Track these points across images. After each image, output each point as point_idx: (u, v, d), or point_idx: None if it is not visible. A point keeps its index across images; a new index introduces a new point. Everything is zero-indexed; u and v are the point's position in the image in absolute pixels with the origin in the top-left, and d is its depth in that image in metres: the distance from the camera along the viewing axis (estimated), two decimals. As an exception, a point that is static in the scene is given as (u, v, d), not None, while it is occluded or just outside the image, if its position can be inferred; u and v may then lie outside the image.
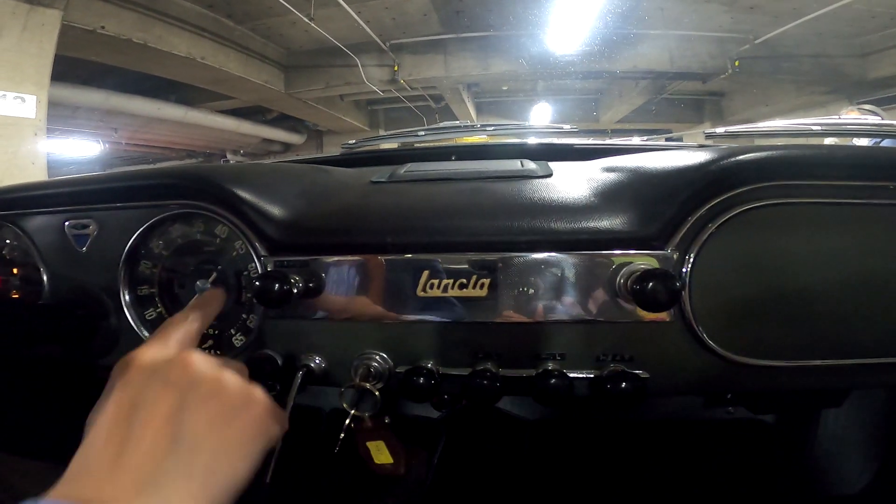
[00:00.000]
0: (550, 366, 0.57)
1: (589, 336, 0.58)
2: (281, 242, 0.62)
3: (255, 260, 0.63)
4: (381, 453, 0.70)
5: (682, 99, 9.48)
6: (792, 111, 8.73)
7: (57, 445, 0.81)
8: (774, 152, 0.58)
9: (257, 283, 0.56)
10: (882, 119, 3.09)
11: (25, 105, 3.61)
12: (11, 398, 0.89)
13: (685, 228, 0.56)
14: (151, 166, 0.77)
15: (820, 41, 6.20)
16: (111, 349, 0.71)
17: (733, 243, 0.57)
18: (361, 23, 5.62)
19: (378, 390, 0.58)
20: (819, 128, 1.18)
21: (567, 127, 1.36)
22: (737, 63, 6.53)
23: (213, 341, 0.67)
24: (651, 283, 0.50)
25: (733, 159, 0.57)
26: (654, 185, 0.60)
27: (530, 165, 0.78)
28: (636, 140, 1.31)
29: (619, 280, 0.54)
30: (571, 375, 0.57)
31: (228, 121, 8.27)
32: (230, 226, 0.65)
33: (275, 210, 0.63)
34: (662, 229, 0.56)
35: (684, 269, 0.56)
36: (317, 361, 0.62)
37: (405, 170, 0.79)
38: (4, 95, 3.49)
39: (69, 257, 0.73)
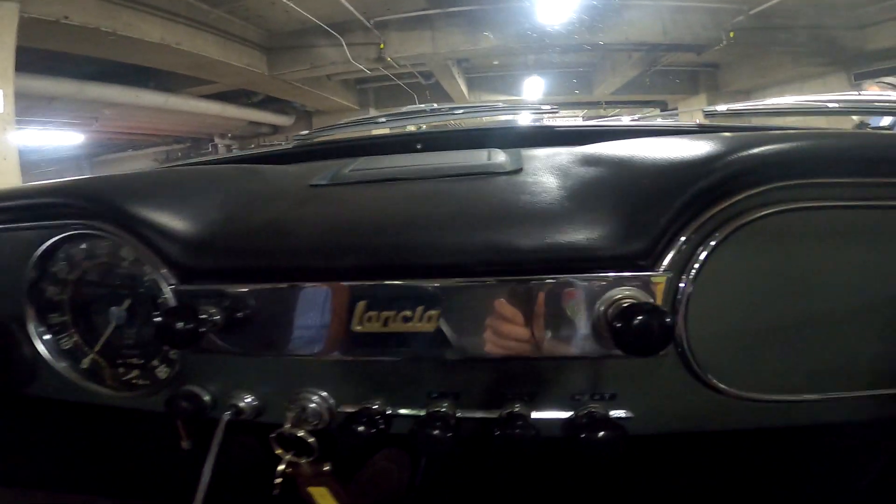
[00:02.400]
0: (517, 407, 0.49)
1: (562, 373, 0.49)
2: (192, 268, 0.53)
3: (165, 289, 0.54)
4: (324, 499, 0.64)
5: (676, 71, 9.28)
6: (788, 82, 8.55)
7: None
8: (797, 144, 0.46)
9: (158, 319, 0.47)
10: None
11: None
12: None
13: (680, 244, 0.46)
14: (44, 182, 0.68)
15: (816, 12, 6.02)
16: (32, 379, 0.64)
17: (740, 259, 0.46)
18: (344, 0, 5.45)
19: (316, 435, 0.53)
20: (835, 105, 1.00)
21: (547, 106, 1.21)
22: (732, 34, 6.36)
23: (140, 371, 0.60)
24: (636, 322, 0.40)
25: (745, 154, 0.45)
26: (643, 186, 0.48)
27: (498, 158, 0.66)
28: (626, 120, 1.13)
29: (599, 308, 0.45)
30: (539, 417, 0.49)
31: (212, 105, 8.11)
32: (133, 250, 0.56)
33: (182, 230, 0.54)
34: (652, 245, 0.45)
35: (679, 295, 0.45)
36: (247, 400, 0.55)
37: (352, 168, 0.68)
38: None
39: None
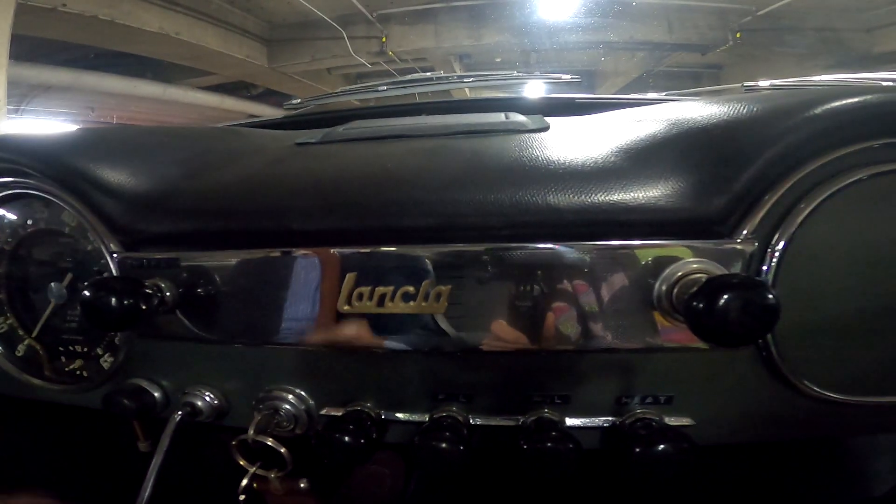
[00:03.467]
0: (546, 412, 0.40)
1: (606, 370, 0.40)
2: (140, 232, 0.43)
3: (107, 258, 0.44)
4: None
5: (679, 72, 9.25)
6: (793, 85, 8.60)
7: None
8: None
9: (86, 294, 0.38)
10: None
11: None
12: None
13: (766, 208, 0.37)
14: None
15: (825, 14, 6.01)
16: None
17: (838, 229, 0.38)
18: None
19: (291, 442, 0.43)
20: (890, 82, 0.89)
21: (567, 76, 1.05)
22: (738, 35, 6.34)
23: (83, 361, 0.51)
24: (727, 302, 0.30)
25: (853, 101, 0.36)
26: (719, 137, 0.39)
27: (518, 118, 0.56)
28: (653, 95, 1.02)
29: (660, 287, 0.36)
30: (575, 424, 0.39)
31: (211, 97, 8.02)
32: (74, 212, 0.47)
33: (127, 185, 0.44)
34: (731, 208, 0.36)
35: (762, 272, 0.37)
36: (206, 398, 0.46)
37: (346, 127, 0.59)
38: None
39: None
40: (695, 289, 0.32)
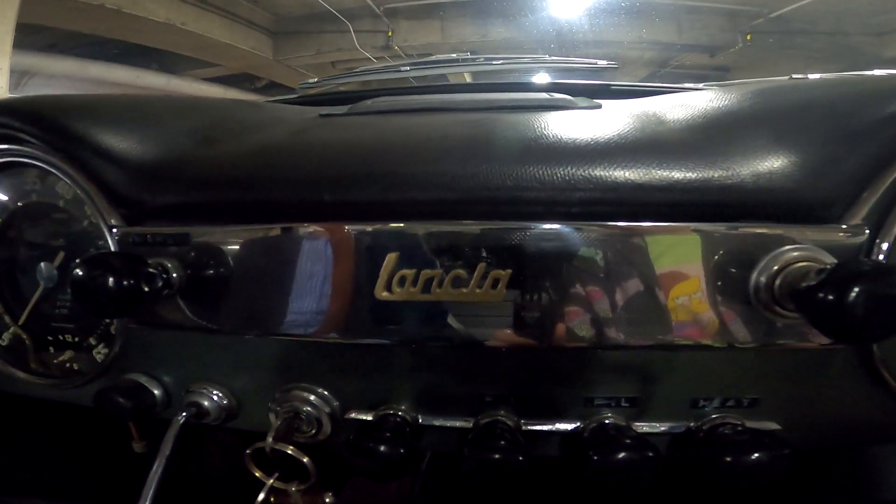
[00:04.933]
0: (610, 417, 0.35)
1: (683, 368, 0.35)
2: (145, 204, 0.38)
3: (106, 233, 0.39)
4: None
5: (686, 73, 9.21)
6: (801, 88, 8.59)
7: None
8: None
9: (77, 272, 0.33)
10: None
11: None
12: None
13: (882, 189, 0.33)
14: None
15: (836, 18, 5.98)
16: None
17: None
18: (353, -14, 5.35)
19: (313, 450, 0.36)
20: None
21: (604, 62, 1.03)
22: (749, 37, 6.32)
23: (73, 352, 0.46)
24: (860, 292, 0.27)
25: None
26: (823, 116, 0.33)
27: (564, 97, 0.47)
28: (691, 84, 0.95)
29: (758, 278, 0.32)
30: (644, 430, 0.34)
31: (215, 89, 7.98)
32: (71, 182, 0.42)
33: (133, 152, 0.39)
34: (841, 188, 0.32)
35: (880, 257, 0.32)
36: (214, 396, 0.40)
37: (375, 100, 0.49)
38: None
39: None
40: (815, 279, 0.28)
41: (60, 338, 0.46)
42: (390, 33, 7.35)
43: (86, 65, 5.84)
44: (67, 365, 0.47)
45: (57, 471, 0.72)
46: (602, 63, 1.00)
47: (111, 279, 0.33)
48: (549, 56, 1.14)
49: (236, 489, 0.51)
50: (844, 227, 0.33)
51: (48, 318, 0.46)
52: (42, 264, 0.44)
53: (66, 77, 5.80)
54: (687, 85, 0.88)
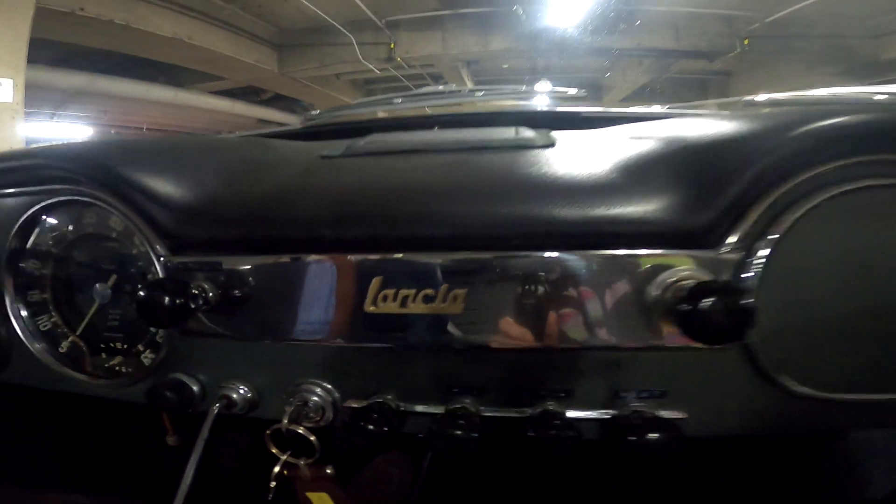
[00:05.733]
0: (551, 405, 0.44)
1: (606, 366, 0.44)
2: (185, 238, 0.48)
3: (155, 261, 0.48)
4: None
5: (687, 79, 9.25)
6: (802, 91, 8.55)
7: None
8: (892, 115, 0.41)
9: (142, 294, 0.42)
10: None
11: (1, 89, 3.48)
12: None
13: (752, 219, 0.40)
14: (24, 147, 0.63)
15: (832, 21, 6.02)
16: (4, 364, 0.59)
17: (817, 240, 0.41)
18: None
19: (318, 431, 0.47)
20: (884, 96, 0.90)
21: (573, 90, 1.14)
22: (746, 42, 6.35)
23: (122, 358, 0.55)
24: (708, 305, 0.34)
25: (833, 122, 0.40)
26: (707, 155, 0.43)
27: (527, 133, 0.60)
28: (657, 108, 1.08)
29: (653, 292, 0.40)
30: (577, 416, 0.44)
31: (221, 102, 8.12)
32: (123, 217, 0.51)
33: (176, 195, 0.49)
34: (718, 220, 0.40)
35: (746, 279, 0.40)
36: (241, 391, 0.50)
37: (367, 140, 0.63)
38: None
39: None
40: (683, 294, 0.36)
41: (112, 345, 0.55)
42: (392, 45, 7.45)
43: (95, 79, 5.97)
44: (117, 368, 0.55)
45: (92, 465, 0.81)
46: (572, 91, 1.10)
47: (167, 298, 0.42)
48: (525, 87, 1.24)
49: (250, 478, 0.61)
50: (720, 251, 0.41)
51: (101, 329, 0.55)
52: (97, 284, 0.54)
53: (76, 90, 5.95)
54: (651, 111, 0.94)
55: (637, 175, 0.44)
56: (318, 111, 1.19)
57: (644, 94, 9.28)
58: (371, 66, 7.26)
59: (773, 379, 0.43)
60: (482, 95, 1.23)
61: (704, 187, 0.41)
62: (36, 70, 4.04)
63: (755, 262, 0.41)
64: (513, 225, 0.41)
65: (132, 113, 7.94)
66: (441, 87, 1.26)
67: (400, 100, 1.23)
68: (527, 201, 0.42)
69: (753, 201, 0.41)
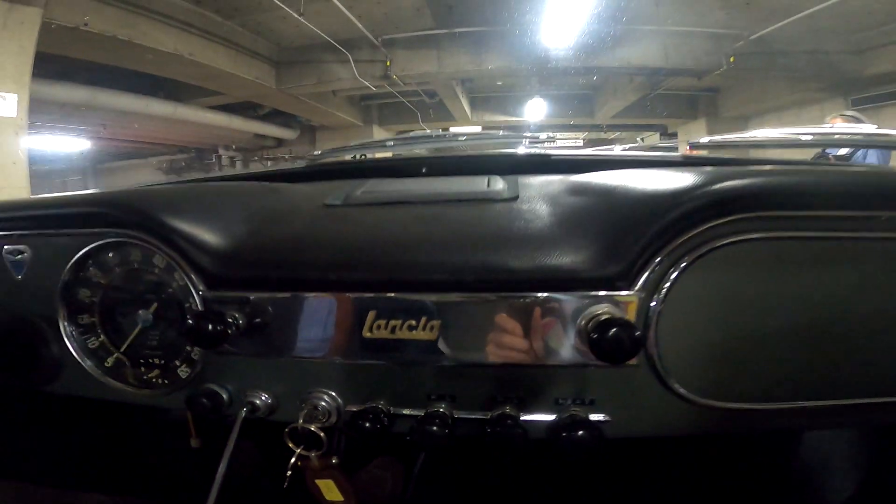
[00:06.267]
0: (507, 409, 0.55)
1: (547, 379, 0.55)
2: (220, 276, 0.58)
3: (193, 294, 0.59)
4: (330, 492, 0.68)
5: (676, 96, 9.44)
6: (786, 108, 8.70)
7: (14, 463, 0.82)
8: (760, 180, 0.52)
9: (190, 322, 0.53)
10: (864, 122, 3.16)
11: (6, 104, 3.52)
12: None
13: (652, 267, 0.52)
14: (83, 192, 0.73)
15: (816, 37, 6.16)
16: (55, 377, 0.68)
17: (705, 282, 0.52)
18: (353, 18, 5.54)
19: (325, 430, 0.58)
20: (809, 137, 1.14)
21: (545, 135, 1.36)
22: (732, 59, 6.50)
23: (160, 371, 0.64)
24: (610, 335, 0.46)
25: (709, 189, 0.51)
26: (622, 215, 0.55)
27: (497, 185, 0.73)
28: (618, 149, 1.26)
29: (581, 322, 0.51)
30: (526, 419, 0.54)
31: (219, 117, 8.19)
32: (166, 258, 0.61)
33: (212, 241, 0.60)
34: (628, 269, 0.51)
35: (650, 313, 0.51)
36: (263, 398, 0.60)
37: (363, 190, 0.75)
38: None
39: (6, 284, 0.69)
40: (594, 326, 0.48)
41: (150, 361, 0.64)
42: (388, 63, 7.58)
43: (97, 93, 6.06)
44: (156, 380, 0.65)
45: (122, 469, 0.92)
46: (543, 136, 1.36)
47: (209, 326, 0.52)
48: (503, 132, 1.48)
49: (260, 478, 0.75)
50: (631, 292, 0.51)
51: (142, 347, 0.65)
52: (140, 311, 0.64)
53: (76, 104, 6.01)
54: (606, 154, 1.09)
55: (572, 229, 0.56)
56: (319, 151, 1.38)
57: (635, 110, 9.47)
58: (367, 84, 7.35)
59: (672, 388, 0.53)
60: (465, 140, 1.45)
61: (619, 242, 0.52)
62: (38, 83, 4.07)
63: (655, 301, 0.52)
64: (474, 272, 0.53)
65: (131, 127, 7.99)
66: (429, 132, 1.43)
67: (392, 142, 1.45)
68: (487, 253, 0.54)
69: (655, 253, 0.52)
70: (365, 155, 1.37)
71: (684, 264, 0.51)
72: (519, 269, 0.52)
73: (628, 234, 0.52)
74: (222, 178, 1.02)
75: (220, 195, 0.72)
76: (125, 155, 11.59)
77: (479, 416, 0.55)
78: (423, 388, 0.57)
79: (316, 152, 1.37)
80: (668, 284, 0.51)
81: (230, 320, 0.54)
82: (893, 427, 0.74)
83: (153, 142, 9.94)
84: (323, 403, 0.57)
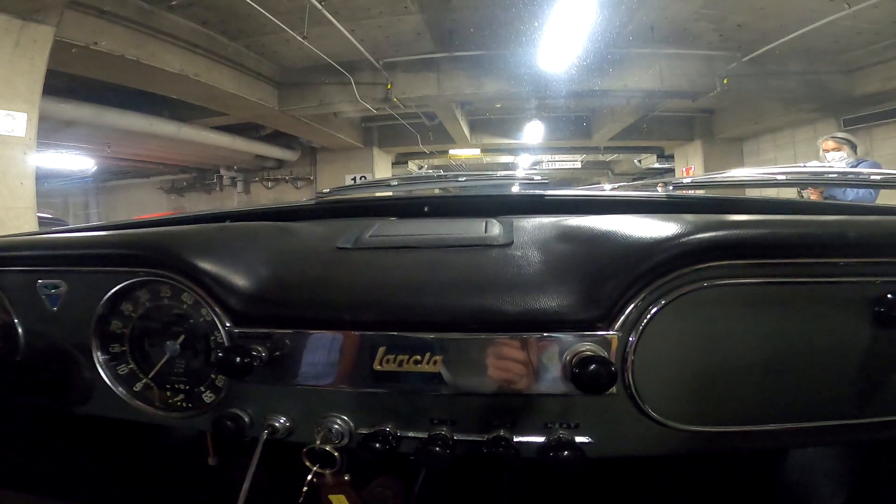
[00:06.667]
0: (501, 432, 0.61)
1: (537, 406, 0.61)
2: (245, 314, 0.65)
3: (220, 329, 0.66)
4: None
5: (672, 117, 9.58)
6: (780, 129, 8.81)
7: (44, 480, 0.89)
8: (728, 233, 0.59)
9: (220, 355, 0.61)
10: (855, 144, 3.25)
11: (15, 123, 3.55)
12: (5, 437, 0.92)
13: (629, 311, 0.59)
14: (118, 231, 0.80)
15: (807, 58, 6.31)
16: (87, 399, 0.74)
17: (677, 320, 0.60)
18: (355, 41, 5.65)
19: (338, 451, 0.63)
20: (783, 177, 1.26)
21: (538, 177, 1.46)
22: (725, 81, 6.61)
23: (185, 396, 0.71)
24: (589, 369, 0.54)
25: (683, 241, 0.59)
26: (603, 264, 0.62)
27: (493, 230, 0.81)
28: (607, 188, 1.37)
29: (566, 358, 0.58)
30: (519, 440, 0.60)
31: (222, 137, 8.27)
32: (195, 295, 0.68)
33: (238, 283, 0.67)
34: (607, 312, 0.59)
35: (628, 349, 0.59)
36: (281, 421, 0.65)
37: (371, 233, 0.83)
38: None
39: (42, 315, 0.76)
40: (577, 362, 0.56)
41: (177, 387, 0.70)
42: (389, 86, 7.69)
43: (102, 111, 6.15)
44: (181, 404, 0.71)
45: (142, 487, 0.97)
46: (537, 178, 1.44)
47: (238, 359, 0.59)
48: (500, 174, 1.67)
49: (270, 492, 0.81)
50: (610, 332, 0.59)
51: (169, 374, 0.71)
52: (168, 342, 0.70)
53: (83, 122, 6.08)
54: (601, 195, 1.18)
55: (558, 276, 0.63)
56: (328, 189, 1.45)
57: (631, 132, 9.59)
58: (368, 106, 7.44)
59: (647, 414, 0.60)
60: (464, 181, 1.55)
61: (600, 288, 0.60)
62: (45, 101, 4.08)
63: (633, 338, 0.59)
64: (471, 315, 0.60)
65: (134, 146, 8.07)
66: (431, 172, 1.54)
67: (397, 182, 1.56)
68: (483, 297, 0.61)
69: (632, 298, 0.59)
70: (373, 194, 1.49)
71: (656, 309, 0.59)
72: (511, 313, 0.60)
73: (608, 282, 0.60)
74: (238, 215, 1.09)
75: (242, 238, 0.79)
76: (127, 174, 11.66)
77: (476, 438, 0.61)
78: (427, 414, 0.63)
79: (325, 190, 1.44)
80: (643, 323, 0.59)
81: (254, 353, 0.61)
82: (864, 447, 0.82)
83: (156, 161, 10.01)
84: (337, 426, 0.63)
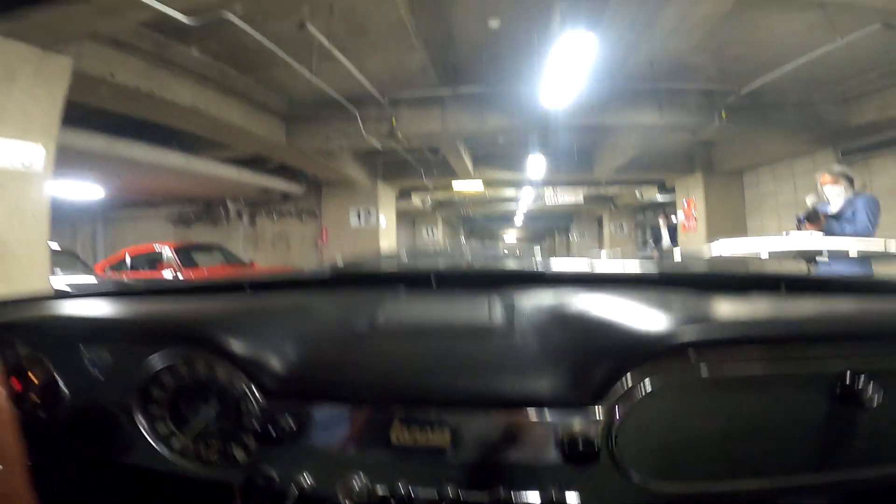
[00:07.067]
0: (503, 494, 0.68)
1: (534, 472, 0.69)
2: (274, 390, 0.76)
3: (252, 401, 0.77)
4: None
5: (673, 150, 9.68)
6: (780, 160, 8.86)
7: None
8: (706, 330, 0.70)
9: (254, 423, 0.72)
10: (852, 178, 3.32)
11: (32, 156, 3.50)
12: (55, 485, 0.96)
13: (613, 391, 0.68)
14: (159, 309, 0.95)
15: (803, 89, 6.42)
16: (129, 452, 0.83)
17: (658, 397, 0.69)
18: (361, 78, 5.76)
19: None
20: (766, 256, 1.38)
21: (538, 261, 1.69)
22: (724, 114, 6.69)
23: (219, 455, 0.78)
24: (578, 445, 0.65)
25: (666, 334, 0.69)
26: (591, 349, 0.73)
27: (496, 314, 0.90)
28: (600, 265, 1.49)
29: (558, 432, 0.67)
30: (518, 502, 0.68)
31: (229, 170, 8.38)
32: (228, 372, 0.78)
33: (268, 363, 0.77)
34: (595, 394, 0.68)
35: (612, 422, 0.68)
36: (306, 479, 0.73)
37: (386, 318, 0.90)
38: (11, 145, 3.36)
39: (85, 377, 0.85)
40: (567, 437, 0.66)
41: (211, 445, 0.78)
42: (394, 122, 7.83)
43: (114, 142, 6.26)
44: (215, 461, 0.79)
45: None
46: (538, 261, 1.65)
47: (269, 428, 0.71)
48: (501, 252, 1.94)
49: None
50: (594, 411, 0.68)
51: (205, 436, 0.79)
52: (203, 407, 0.79)
53: (94, 153, 6.11)
54: (597, 273, 1.25)
55: (552, 360, 0.73)
56: (342, 263, 1.64)
57: (633, 165, 9.69)
58: (374, 142, 7.53)
59: (631, 478, 0.68)
60: (471, 259, 1.77)
61: (589, 373, 0.69)
62: (60, 131, 4.11)
63: (618, 414, 0.68)
64: (475, 396, 0.71)
65: (143, 177, 8.18)
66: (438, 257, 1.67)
67: (406, 257, 1.77)
68: (484, 381, 0.72)
69: (617, 381, 0.69)
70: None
71: (640, 387, 0.68)
72: (510, 393, 0.70)
73: (597, 367, 0.70)
74: (258, 283, 1.19)
75: (267, 317, 0.91)
76: (135, 204, 11.84)
77: (481, 499, 0.68)
78: (439, 476, 0.70)
79: (339, 263, 1.63)
80: (628, 401, 0.68)
81: (284, 424, 0.71)
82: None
83: (164, 193, 10.11)
84: (356, 486, 0.70)
